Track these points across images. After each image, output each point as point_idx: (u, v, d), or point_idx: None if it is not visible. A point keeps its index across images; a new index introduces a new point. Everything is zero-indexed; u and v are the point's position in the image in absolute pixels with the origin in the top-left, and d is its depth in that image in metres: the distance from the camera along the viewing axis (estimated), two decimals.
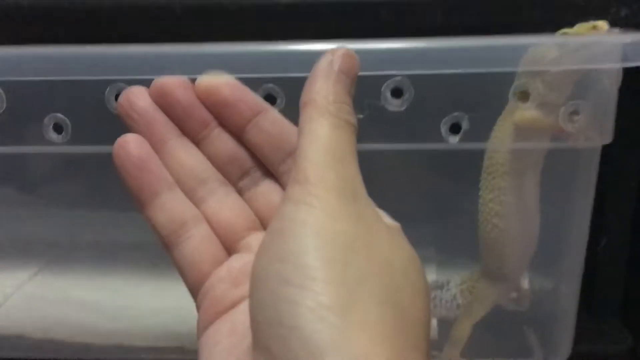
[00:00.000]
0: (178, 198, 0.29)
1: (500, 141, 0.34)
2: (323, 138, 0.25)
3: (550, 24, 0.40)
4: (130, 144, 0.29)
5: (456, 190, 0.43)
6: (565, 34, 0.33)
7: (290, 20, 0.39)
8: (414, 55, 0.31)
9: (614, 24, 0.37)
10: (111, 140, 0.29)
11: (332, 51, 0.28)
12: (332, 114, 0.26)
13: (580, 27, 0.33)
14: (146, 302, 0.48)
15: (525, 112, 0.33)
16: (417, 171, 0.45)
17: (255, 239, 0.29)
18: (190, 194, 0.30)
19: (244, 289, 0.26)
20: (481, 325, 0.44)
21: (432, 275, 0.48)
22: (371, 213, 0.24)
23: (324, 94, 0.26)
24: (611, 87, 0.33)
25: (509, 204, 0.37)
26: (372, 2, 0.39)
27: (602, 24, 0.32)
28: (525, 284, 0.46)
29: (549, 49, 0.32)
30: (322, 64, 0.28)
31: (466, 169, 0.39)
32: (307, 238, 0.22)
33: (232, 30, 0.40)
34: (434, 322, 0.45)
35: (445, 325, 0.45)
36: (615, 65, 0.30)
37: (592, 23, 0.32)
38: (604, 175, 0.38)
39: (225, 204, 0.30)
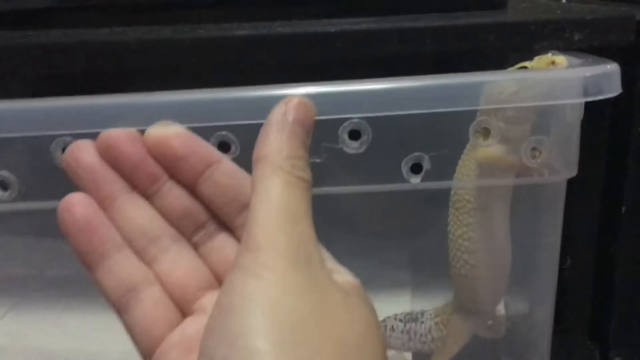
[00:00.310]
0: (127, 259, 0.28)
1: (464, 179, 0.33)
2: (275, 198, 0.24)
3: (505, 49, 0.40)
4: (75, 206, 0.27)
5: (432, 211, 0.43)
6: (523, 67, 0.32)
7: (246, 52, 0.38)
8: (370, 97, 0.30)
9: (568, 48, 0.37)
10: (60, 195, 0.28)
11: (286, 101, 0.27)
12: (285, 170, 0.25)
13: (539, 61, 0.32)
14: (113, 348, 0.46)
15: (487, 150, 0.32)
16: (393, 193, 0.44)
17: (209, 300, 0.28)
18: (141, 253, 0.28)
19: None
20: (457, 357, 0.43)
21: (406, 305, 0.47)
22: (326, 279, 0.23)
23: (277, 149, 0.25)
24: (573, 121, 0.32)
25: (478, 240, 0.36)
26: (328, 33, 0.38)
27: (561, 59, 0.31)
28: (500, 309, 0.45)
29: (508, 84, 0.31)
30: (275, 116, 0.27)
31: (442, 191, 0.38)
32: (255, 318, 0.21)
33: (188, 64, 0.39)
34: (409, 356, 0.44)
35: (420, 358, 0.44)
36: (576, 100, 0.29)
37: (551, 57, 0.31)
38: (567, 195, 0.38)
39: (178, 263, 0.28)
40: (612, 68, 0.30)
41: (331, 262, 0.27)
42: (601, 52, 0.37)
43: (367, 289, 0.54)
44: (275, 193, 0.24)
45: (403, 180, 0.32)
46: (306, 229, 0.24)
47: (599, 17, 0.38)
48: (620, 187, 0.45)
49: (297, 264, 0.22)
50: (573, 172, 0.33)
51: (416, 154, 0.31)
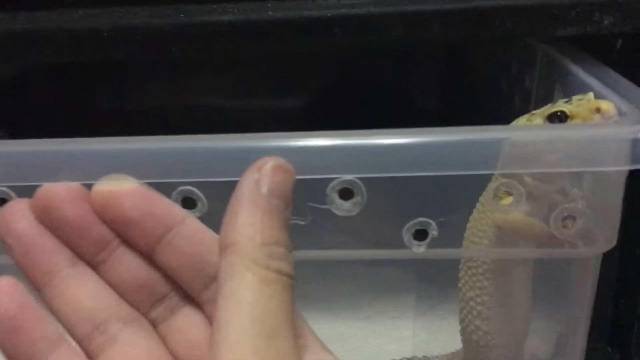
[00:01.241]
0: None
1: (477, 246, 0.27)
2: (248, 304, 0.20)
3: (524, 35, 0.35)
4: (0, 297, 0.23)
5: None
6: (559, 111, 0.26)
7: (232, 40, 0.33)
8: (365, 155, 0.24)
9: (596, 33, 0.33)
10: None
11: (259, 165, 0.22)
12: (260, 263, 0.20)
13: (580, 105, 0.25)
14: None
15: (508, 213, 0.26)
16: None
17: None
18: (85, 343, 0.24)
19: None
20: None
21: (406, 347, 0.42)
22: None
23: (249, 233, 0.21)
24: (616, 183, 0.26)
25: (493, 306, 0.30)
26: (324, 17, 0.33)
27: (608, 106, 0.25)
28: None
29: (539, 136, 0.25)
30: (245, 186, 0.22)
31: None
32: None
33: (167, 53, 0.34)
34: None
35: None
36: (621, 168, 0.23)
37: (595, 102, 0.25)
38: None
39: (130, 355, 0.24)
40: None
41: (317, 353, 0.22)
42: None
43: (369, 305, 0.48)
44: (248, 297, 0.20)
45: (404, 247, 0.26)
46: (286, 342, 0.20)
47: None
48: None
49: None
50: (612, 243, 0.27)
51: (421, 219, 0.26)
